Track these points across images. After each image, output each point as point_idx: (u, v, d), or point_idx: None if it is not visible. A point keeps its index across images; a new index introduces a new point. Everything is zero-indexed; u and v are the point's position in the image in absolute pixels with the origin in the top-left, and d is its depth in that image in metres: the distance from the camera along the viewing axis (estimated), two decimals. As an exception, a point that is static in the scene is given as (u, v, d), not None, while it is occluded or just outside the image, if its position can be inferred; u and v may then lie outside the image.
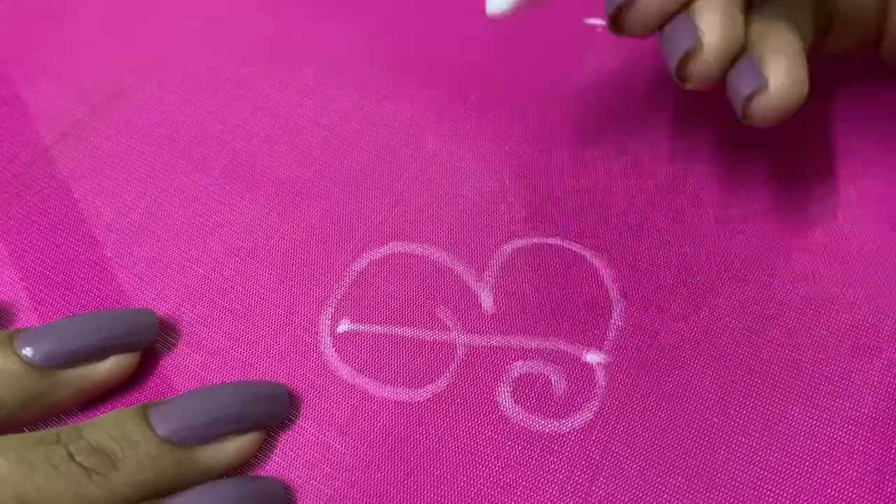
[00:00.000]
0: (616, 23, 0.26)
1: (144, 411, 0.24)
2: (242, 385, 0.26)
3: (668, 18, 0.25)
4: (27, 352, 0.25)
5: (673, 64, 0.25)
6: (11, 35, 0.35)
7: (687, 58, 0.25)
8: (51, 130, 0.32)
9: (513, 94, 0.33)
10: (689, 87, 0.25)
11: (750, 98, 0.25)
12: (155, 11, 0.36)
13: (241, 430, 0.25)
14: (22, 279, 0.29)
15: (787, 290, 0.29)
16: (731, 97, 0.25)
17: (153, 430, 0.24)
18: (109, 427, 0.23)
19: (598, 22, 0.35)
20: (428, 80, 0.34)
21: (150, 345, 0.27)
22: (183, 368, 0.27)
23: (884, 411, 0.26)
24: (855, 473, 0.25)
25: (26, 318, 0.28)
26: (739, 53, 0.25)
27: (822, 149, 0.32)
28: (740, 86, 0.25)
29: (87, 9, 0.36)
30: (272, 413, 0.26)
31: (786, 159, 0.32)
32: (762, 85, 0.25)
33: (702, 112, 0.33)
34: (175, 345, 0.28)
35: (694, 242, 0.30)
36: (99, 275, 0.29)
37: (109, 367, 0.26)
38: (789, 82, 0.25)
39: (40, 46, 0.35)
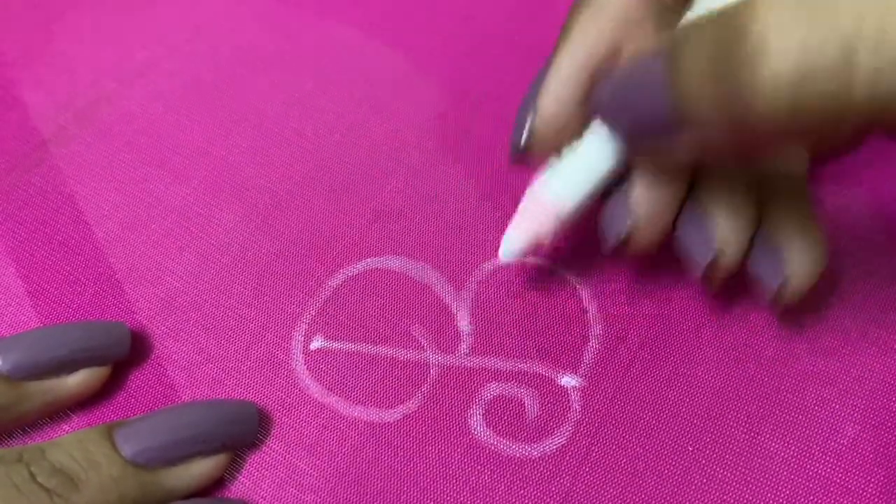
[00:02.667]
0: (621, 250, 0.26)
1: (109, 432, 0.24)
2: (211, 405, 0.25)
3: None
4: None
5: (698, 268, 0.25)
6: (-4, 39, 0.35)
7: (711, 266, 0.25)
8: (33, 137, 0.32)
9: (498, 111, 0.33)
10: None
11: (780, 288, 0.25)
12: (141, 19, 0.35)
13: (208, 452, 0.24)
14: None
15: (767, 320, 0.28)
16: (755, 285, 0.26)
17: (117, 452, 0.23)
18: (72, 448, 0.23)
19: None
20: (414, 94, 0.33)
21: (121, 358, 0.26)
22: (152, 383, 0.27)
23: (863, 442, 0.26)
24: (830, 507, 0.25)
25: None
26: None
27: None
28: (766, 280, 0.25)
29: (73, 16, 0.36)
30: (241, 434, 0.25)
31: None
32: (786, 277, 0.24)
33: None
34: (146, 359, 0.27)
35: (677, 268, 0.29)
36: (72, 286, 0.29)
37: (79, 380, 0.25)
38: (811, 266, 0.25)
39: (25, 53, 0.34)
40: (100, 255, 0.29)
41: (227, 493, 0.25)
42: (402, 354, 0.27)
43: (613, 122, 0.23)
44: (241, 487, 0.25)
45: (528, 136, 0.25)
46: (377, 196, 0.31)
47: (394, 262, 0.29)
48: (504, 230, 0.28)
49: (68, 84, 0.34)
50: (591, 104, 0.24)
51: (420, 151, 0.32)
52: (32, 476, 0.22)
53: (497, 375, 0.27)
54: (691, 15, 0.24)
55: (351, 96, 0.33)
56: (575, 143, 0.25)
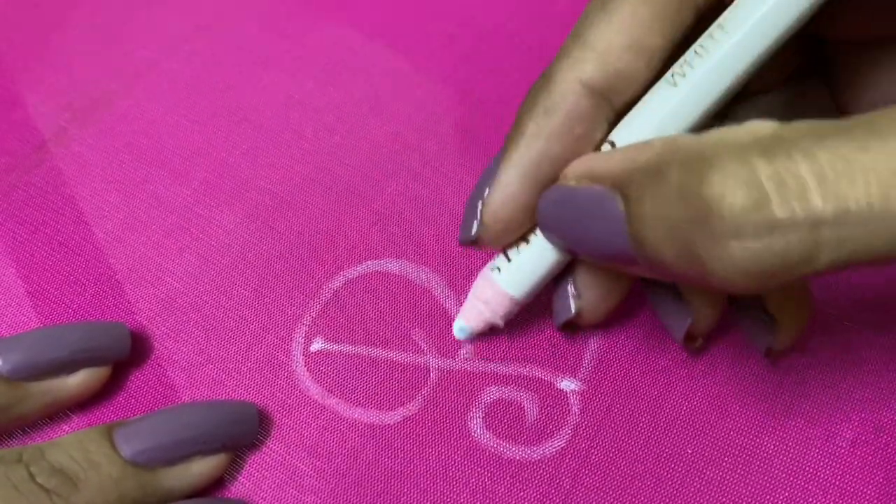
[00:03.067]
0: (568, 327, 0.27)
1: (109, 432, 0.24)
2: (211, 405, 0.25)
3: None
4: None
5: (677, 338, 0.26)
6: (-3, 39, 0.35)
7: (688, 335, 0.25)
8: (33, 137, 0.32)
9: (499, 112, 0.33)
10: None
11: (770, 346, 0.25)
12: (141, 19, 0.35)
13: (208, 452, 0.24)
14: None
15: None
16: (747, 337, 0.27)
17: (117, 452, 0.23)
18: (72, 448, 0.23)
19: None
20: (414, 95, 0.33)
21: (121, 359, 0.26)
22: (152, 384, 0.27)
23: (862, 445, 0.26)
24: (828, 511, 0.25)
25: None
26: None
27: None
28: (757, 339, 0.26)
29: (73, 16, 0.36)
30: (241, 435, 0.25)
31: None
32: (775, 333, 0.25)
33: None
34: (146, 359, 0.27)
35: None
36: (72, 286, 0.29)
37: (79, 380, 0.25)
38: (796, 316, 0.25)
39: (26, 53, 0.34)
40: (100, 255, 0.29)
41: (227, 494, 0.25)
42: (402, 357, 0.28)
43: (557, 239, 0.24)
44: (242, 488, 0.25)
45: (478, 231, 0.25)
46: (378, 198, 0.31)
47: (394, 266, 0.29)
48: (463, 307, 0.27)
49: (69, 84, 0.33)
50: (536, 216, 0.24)
51: (421, 154, 0.32)
52: (32, 476, 0.22)
53: (497, 379, 0.27)
54: (628, 129, 0.23)
55: (351, 97, 0.33)
56: (527, 235, 0.25)
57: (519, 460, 0.26)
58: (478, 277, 0.26)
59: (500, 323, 0.26)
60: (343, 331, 0.28)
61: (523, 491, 0.25)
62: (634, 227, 0.20)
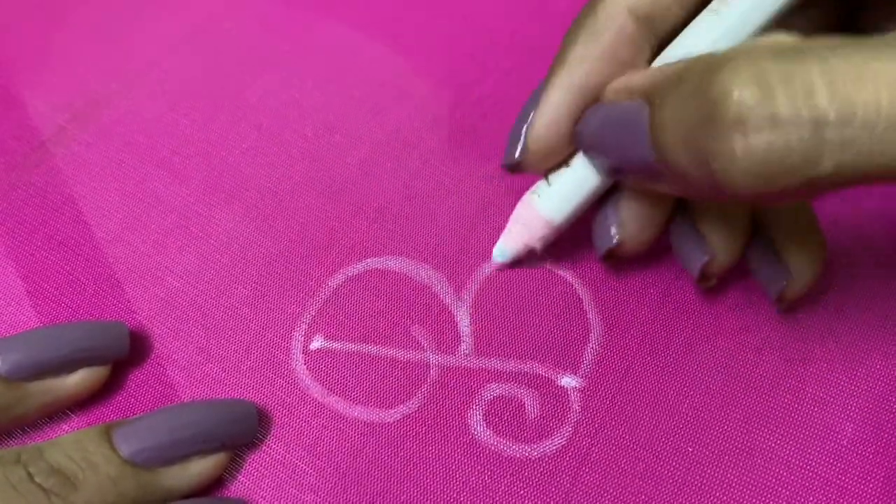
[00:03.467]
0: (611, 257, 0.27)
1: (108, 431, 0.24)
2: (210, 404, 0.25)
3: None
4: None
5: (694, 272, 0.26)
6: (-4, 39, 0.35)
7: (705, 272, 0.26)
8: (33, 137, 0.32)
9: (499, 111, 0.33)
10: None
11: (782, 291, 0.26)
12: (142, 18, 0.35)
13: (207, 451, 0.24)
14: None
15: (768, 319, 0.28)
16: (761, 284, 0.27)
17: (116, 452, 0.23)
18: (70, 448, 0.23)
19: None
20: (415, 95, 0.33)
21: (120, 358, 0.26)
22: (152, 383, 0.27)
23: (863, 442, 0.26)
24: (829, 508, 0.25)
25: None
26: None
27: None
28: (770, 284, 0.26)
29: (73, 16, 0.36)
30: (241, 433, 0.25)
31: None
32: (788, 281, 0.26)
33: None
34: (145, 358, 0.27)
35: (677, 269, 0.29)
36: (71, 286, 0.29)
37: (78, 380, 0.25)
38: (810, 271, 0.26)
39: (26, 52, 0.34)
40: (99, 254, 0.29)
41: (226, 493, 0.25)
42: (402, 355, 0.27)
43: (595, 157, 0.24)
44: (241, 487, 0.25)
45: (521, 154, 0.25)
46: (377, 196, 0.31)
47: (394, 263, 0.29)
48: (503, 231, 0.28)
49: (68, 84, 0.33)
50: (575, 135, 0.25)
51: (420, 152, 0.32)
52: (30, 476, 0.22)
53: (497, 376, 0.27)
54: (671, 53, 0.24)
55: (351, 97, 0.33)
56: (568, 159, 0.26)
57: (519, 458, 0.26)
58: (518, 205, 0.27)
59: (538, 247, 0.27)
60: (343, 328, 0.28)
61: (523, 489, 0.25)
62: (655, 133, 0.21)
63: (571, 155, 0.26)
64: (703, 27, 0.23)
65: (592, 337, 0.28)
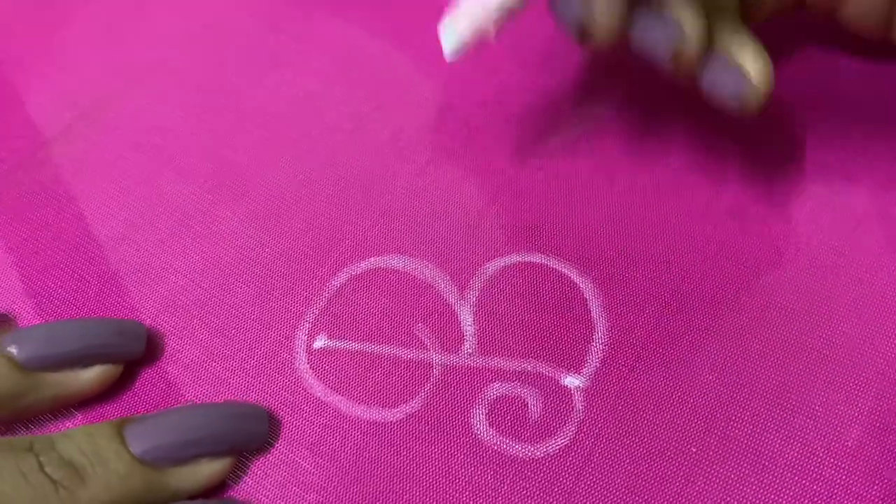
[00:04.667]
0: (583, 37, 0.26)
1: (120, 427, 0.24)
2: (222, 407, 0.25)
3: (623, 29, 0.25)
4: (12, 349, 0.25)
5: (664, 57, 0.26)
6: (3, 38, 0.35)
7: (676, 52, 0.25)
8: (39, 135, 0.32)
9: (502, 111, 0.33)
10: (678, 74, 0.26)
11: (741, 95, 0.26)
12: (148, 18, 0.36)
13: (216, 454, 0.24)
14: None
15: (775, 322, 0.28)
16: (717, 98, 0.26)
17: (126, 449, 0.23)
18: (82, 441, 0.23)
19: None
20: (419, 93, 0.33)
21: (135, 357, 0.26)
22: (156, 381, 0.27)
23: (868, 445, 0.26)
24: (834, 510, 0.25)
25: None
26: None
27: (819, 168, 0.31)
28: (727, 86, 0.26)
29: (79, 14, 0.36)
30: (252, 439, 0.25)
31: (784, 183, 0.31)
32: (746, 81, 0.25)
33: (699, 129, 0.32)
34: (149, 357, 0.27)
35: (683, 268, 0.29)
36: (76, 284, 0.29)
37: (91, 376, 0.26)
38: (766, 69, 0.26)
39: (32, 50, 0.35)
40: (103, 253, 0.29)
41: (230, 492, 0.25)
42: (406, 354, 0.27)
43: None
44: (244, 486, 0.25)
45: None
46: (381, 196, 0.31)
47: (397, 262, 0.29)
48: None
49: (73, 83, 0.34)
50: None
51: (424, 151, 0.32)
52: (41, 466, 0.22)
53: (500, 375, 0.27)
54: None
55: (356, 96, 0.33)
56: None
57: (522, 458, 0.26)
58: None
59: (491, 30, 0.23)
60: (346, 327, 0.28)
61: (526, 489, 0.25)
62: None
63: None
64: None
65: (596, 336, 0.28)
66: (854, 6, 0.30)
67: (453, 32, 0.24)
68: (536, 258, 0.29)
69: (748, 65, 0.26)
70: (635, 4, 0.25)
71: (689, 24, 0.25)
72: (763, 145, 0.32)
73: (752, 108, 0.26)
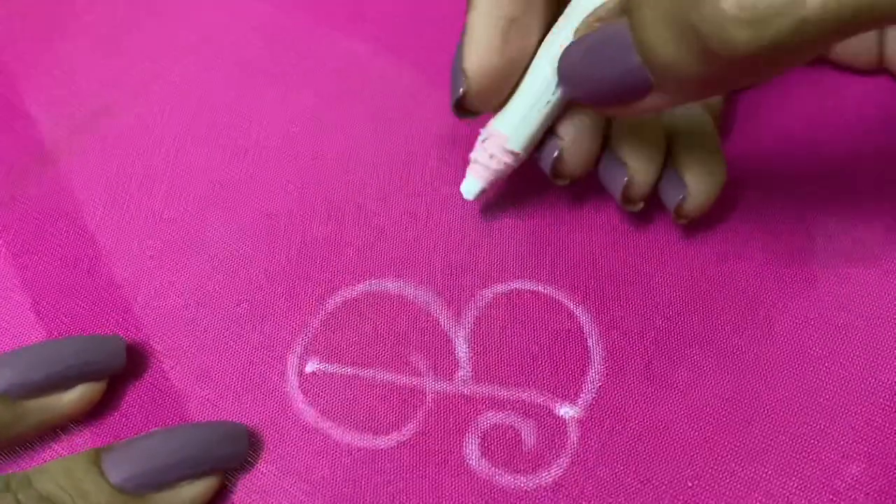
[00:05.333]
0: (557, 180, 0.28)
1: (97, 458, 0.23)
2: (198, 427, 0.25)
3: None
4: None
5: (616, 195, 0.28)
6: (1, 49, 0.35)
7: (625, 191, 0.28)
8: (35, 147, 0.32)
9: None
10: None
11: (679, 204, 0.28)
12: (145, 30, 0.35)
13: (197, 475, 0.24)
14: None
15: (773, 354, 0.28)
16: (664, 201, 0.28)
17: (105, 479, 0.23)
18: (60, 475, 0.23)
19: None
20: (419, 113, 0.33)
21: (117, 371, 0.26)
22: (145, 404, 0.27)
23: (864, 483, 0.25)
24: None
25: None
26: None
27: (817, 191, 0.31)
28: (667, 197, 0.28)
29: (77, 26, 0.35)
30: (231, 456, 0.25)
31: (782, 203, 0.31)
32: (685, 194, 0.28)
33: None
34: (140, 378, 0.27)
35: (680, 299, 0.29)
36: (69, 298, 0.28)
37: (75, 397, 0.25)
38: (706, 185, 0.28)
39: (30, 63, 0.34)
40: (96, 268, 0.29)
41: (216, 518, 0.25)
42: (399, 380, 0.27)
43: (581, 90, 0.25)
44: (231, 513, 0.25)
45: (463, 85, 0.26)
46: (378, 217, 0.30)
47: (392, 286, 0.29)
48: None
49: (71, 95, 0.33)
50: (558, 76, 0.26)
51: (423, 173, 0.31)
52: None
53: (494, 404, 0.27)
54: None
55: (354, 114, 0.33)
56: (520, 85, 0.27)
57: (514, 489, 0.25)
58: (478, 138, 0.28)
59: (504, 176, 0.28)
60: (339, 352, 0.28)
61: (518, 521, 0.25)
62: (639, 36, 0.21)
63: (515, 87, 0.27)
64: None
65: (592, 366, 0.27)
66: (843, 45, 0.31)
67: (473, 184, 0.28)
68: (533, 286, 0.29)
69: (693, 181, 0.28)
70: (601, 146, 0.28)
71: (638, 168, 0.27)
72: (761, 171, 0.32)
73: (690, 217, 0.28)
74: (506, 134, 0.27)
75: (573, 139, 0.27)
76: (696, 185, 0.28)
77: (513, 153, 0.27)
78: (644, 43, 0.21)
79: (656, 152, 0.28)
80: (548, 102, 0.26)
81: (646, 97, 0.23)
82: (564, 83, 0.25)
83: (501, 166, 0.27)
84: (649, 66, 0.22)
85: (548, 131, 0.27)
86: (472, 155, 0.28)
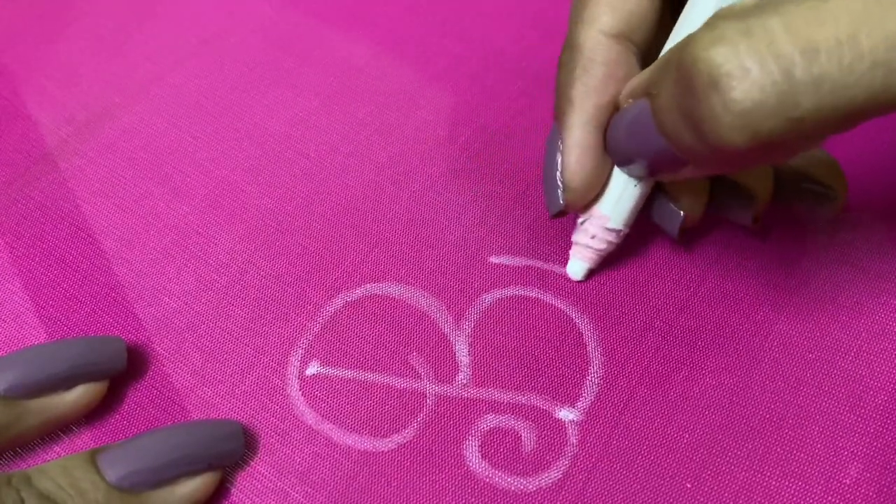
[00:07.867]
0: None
1: (93, 457, 0.24)
2: (194, 425, 0.25)
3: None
4: None
5: (672, 234, 0.28)
6: (0, 51, 0.35)
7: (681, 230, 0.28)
8: (35, 150, 0.32)
9: (505, 137, 0.33)
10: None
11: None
12: (146, 33, 0.35)
13: (194, 472, 0.24)
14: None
15: (772, 358, 0.28)
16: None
17: (102, 477, 0.23)
18: (58, 474, 0.23)
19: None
20: (419, 117, 0.33)
21: (117, 373, 0.26)
22: (146, 405, 0.27)
23: (866, 483, 0.25)
24: (829, 553, 0.24)
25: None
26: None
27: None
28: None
29: (78, 29, 0.35)
30: (227, 453, 0.25)
31: (776, 207, 0.31)
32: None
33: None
34: (141, 380, 0.27)
35: (679, 304, 0.29)
36: (69, 302, 0.28)
37: (76, 397, 0.25)
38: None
39: (30, 65, 0.34)
40: (97, 271, 0.29)
41: (216, 522, 0.25)
42: (399, 383, 0.27)
43: (627, 164, 0.26)
44: (232, 515, 0.25)
45: (564, 197, 0.27)
46: (379, 221, 0.30)
47: (393, 289, 0.29)
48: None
49: (72, 97, 0.33)
50: (607, 151, 0.26)
51: (424, 177, 0.31)
52: (22, 501, 0.22)
53: (494, 407, 0.27)
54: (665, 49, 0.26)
55: (356, 117, 0.33)
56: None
57: (514, 491, 0.25)
58: (578, 223, 0.28)
59: (606, 255, 0.28)
60: (340, 354, 0.28)
61: (518, 523, 0.25)
62: (658, 119, 0.22)
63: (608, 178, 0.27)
64: (682, 20, 0.25)
65: (592, 370, 0.27)
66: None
67: (578, 266, 0.29)
68: (533, 292, 0.29)
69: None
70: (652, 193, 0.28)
71: (689, 206, 0.27)
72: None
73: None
74: (606, 215, 0.27)
75: (690, 205, 0.27)
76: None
77: (615, 231, 0.27)
78: (662, 125, 0.22)
79: (702, 190, 0.28)
80: (640, 178, 0.26)
81: (685, 167, 0.23)
82: (613, 158, 0.26)
83: (604, 245, 0.28)
84: (673, 147, 0.22)
85: (656, 199, 0.28)
86: (574, 237, 0.28)
